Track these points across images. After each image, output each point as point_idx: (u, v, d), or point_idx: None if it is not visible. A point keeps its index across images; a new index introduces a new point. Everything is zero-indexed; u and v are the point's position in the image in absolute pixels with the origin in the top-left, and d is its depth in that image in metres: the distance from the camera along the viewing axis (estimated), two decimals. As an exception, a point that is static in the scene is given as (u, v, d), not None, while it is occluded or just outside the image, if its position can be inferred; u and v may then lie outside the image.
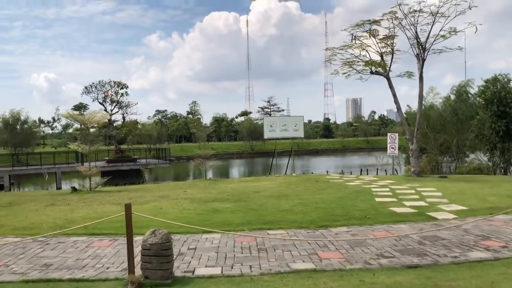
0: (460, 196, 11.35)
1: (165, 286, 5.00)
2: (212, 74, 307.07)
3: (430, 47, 17.59)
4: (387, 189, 13.28)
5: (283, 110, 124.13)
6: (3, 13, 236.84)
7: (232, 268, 5.76)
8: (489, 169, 22.91)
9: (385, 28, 18.20)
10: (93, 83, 44.13)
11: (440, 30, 17.19)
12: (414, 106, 27.82)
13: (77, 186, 15.31)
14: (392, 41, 18.22)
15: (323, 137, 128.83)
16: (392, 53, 18.44)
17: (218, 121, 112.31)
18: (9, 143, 55.97)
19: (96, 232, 7.89)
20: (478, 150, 24.84)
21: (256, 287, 4.97)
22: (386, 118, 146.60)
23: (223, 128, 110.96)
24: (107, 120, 44.18)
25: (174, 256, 6.29)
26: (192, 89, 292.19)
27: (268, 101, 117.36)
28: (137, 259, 5.43)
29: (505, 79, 21.88)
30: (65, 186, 31.72)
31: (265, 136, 23.76)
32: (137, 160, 42.50)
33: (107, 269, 5.83)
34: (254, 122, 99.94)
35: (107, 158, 42.79)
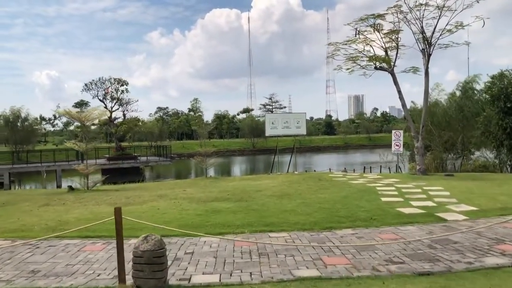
0: (469, 195, 10.94)
1: (158, 297, 4.64)
2: (214, 71, 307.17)
3: (436, 41, 17.15)
4: (393, 188, 12.88)
5: (285, 107, 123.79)
6: (4, 10, 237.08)
7: (231, 275, 5.38)
8: (496, 167, 22.45)
9: (390, 22, 17.77)
10: (93, 80, 43.78)
11: (447, 25, 16.74)
12: (418, 102, 27.44)
13: (74, 185, 14.97)
14: (396, 36, 17.78)
15: (325, 134, 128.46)
16: (397, 48, 18.00)
17: (220, 118, 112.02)
18: (9, 141, 55.66)
19: (89, 234, 7.52)
20: (484, 147, 24.36)
21: (256, 297, 4.60)
22: (388, 115, 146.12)
23: (224, 125, 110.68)
24: (107, 117, 44.02)
25: (170, 262, 5.94)
26: (194, 86, 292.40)
27: (270, 98, 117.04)
28: (130, 265, 5.06)
29: (512, 75, 21.37)
30: (65, 184, 31.35)
31: (267, 133, 23.32)
32: (138, 158, 42.16)
33: (98, 276, 5.46)
34: (256, 119, 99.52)
35: (107, 155, 42.46)
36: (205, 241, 7.10)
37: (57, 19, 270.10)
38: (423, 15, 16.78)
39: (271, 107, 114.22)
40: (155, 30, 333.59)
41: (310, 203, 10.23)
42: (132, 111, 46.35)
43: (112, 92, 43.61)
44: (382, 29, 17.87)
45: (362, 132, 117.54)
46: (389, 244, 6.72)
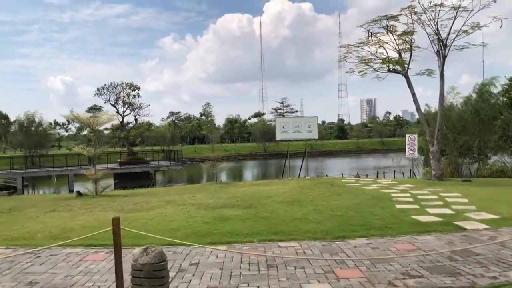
0: (489, 203, 10.45)
1: (159, 313, 4.34)
2: (226, 76, 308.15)
3: (452, 43, 16.67)
4: (408, 194, 12.45)
5: (296, 111, 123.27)
6: (20, 17, 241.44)
7: (237, 289, 5.06)
8: (514, 172, 21.77)
9: (403, 24, 17.36)
10: (105, 85, 43.92)
11: (463, 25, 16.27)
12: (433, 106, 26.83)
13: (82, 190, 14.81)
14: (410, 37, 17.35)
15: (337, 138, 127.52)
16: (411, 50, 17.56)
17: (231, 122, 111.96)
18: (24, 145, 56.28)
19: (92, 243, 7.27)
20: (501, 151, 23.65)
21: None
22: (401, 118, 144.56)
23: (236, 130, 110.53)
24: (119, 122, 44.17)
25: (174, 273, 5.66)
26: (206, 91, 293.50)
27: (282, 102, 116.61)
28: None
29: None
30: (77, 188, 31.44)
31: (277, 138, 22.96)
32: (149, 162, 42.14)
33: (97, 288, 5.20)
34: (268, 123, 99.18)
35: (119, 160, 42.54)
36: (211, 251, 6.79)
37: (72, 25, 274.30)
38: (438, 15, 16.36)
39: (282, 111, 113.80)
40: (167, 35, 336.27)
41: (322, 210, 9.86)
42: (144, 115, 46.42)
43: (124, 97, 43.72)
44: (396, 31, 17.46)
45: (375, 136, 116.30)
46: (406, 255, 6.33)
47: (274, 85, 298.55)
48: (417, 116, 21.22)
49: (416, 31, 17.27)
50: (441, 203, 10.77)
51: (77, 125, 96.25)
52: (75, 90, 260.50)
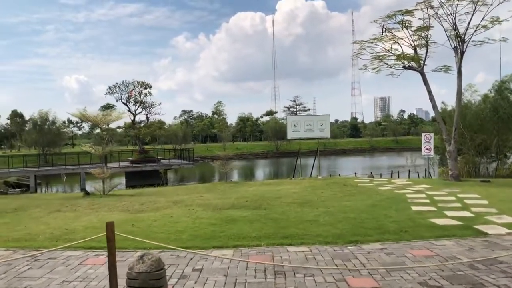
0: (511, 205, 9.92)
1: (155, 326, 4.02)
2: (238, 75, 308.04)
3: (470, 38, 16.04)
4: (424, 195, 11.97)
5: (309, 109, 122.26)
6: (37, 17, 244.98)
7: (241, 299, 4.71)
8: (535, 172, 21.00)
9: (419, 19, 16.78)
10: (116, 83, 43.92)
11: (482, 20, 15.63)
12: (449, 103, 26.10)
13: (90, 190, 14.64)
14: (426, 33, 16.76)
15: (351, 136, 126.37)
16: (427, 46, 16.97)
17: (243, 121, 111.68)
18: (37, 143, 56.82)
19: (94, 245, 6.99)
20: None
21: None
22: (416, 117, 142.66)
23: (248, 128, 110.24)
24: (130, 121, 44.19)
25: (176, 279, 5.35)
26: (218, 89, 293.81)
27: (294, 101, 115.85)
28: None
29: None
30: (88, 187, 31.50)
31: (288, 137, 22.53)
32: (160, 161, 42.08)
33: (93, 296, 4.90)
34: (280, 122, 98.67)
35: (131, 158, 42.57)
36: (216, 256, 6.45)
37: (86, 25, 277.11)
38: (455, 10, 15.74)
39: (295, 110, 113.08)
40: (180, 34, 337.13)
41: (334, 212, 9.46)
42: (155, 114, 46.35)
43: (136, 95, 43.69)
44: (411, 26, 16.89)
45: (389, 135, 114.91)
46: (423, 262, 5.92)
47: (286, 83, 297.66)
48: (431, 115, 20.58)
49: (433, 26, 16.70)
50: (459, 205, 10.28)
51: (90, 123, 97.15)
52: (90, 89, 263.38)
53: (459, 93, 17.10)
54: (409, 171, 31.53)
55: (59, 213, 10.34)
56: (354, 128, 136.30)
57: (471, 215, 9.06)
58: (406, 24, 16.78)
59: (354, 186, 14.33)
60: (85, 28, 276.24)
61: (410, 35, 17.04)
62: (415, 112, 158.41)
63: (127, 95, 43.35)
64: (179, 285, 5.20)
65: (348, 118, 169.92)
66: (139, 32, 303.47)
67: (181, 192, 14.97)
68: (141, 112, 45.22)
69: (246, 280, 5.36)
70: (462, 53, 16.22)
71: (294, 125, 21.50)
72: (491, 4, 15.29)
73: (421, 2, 16.12)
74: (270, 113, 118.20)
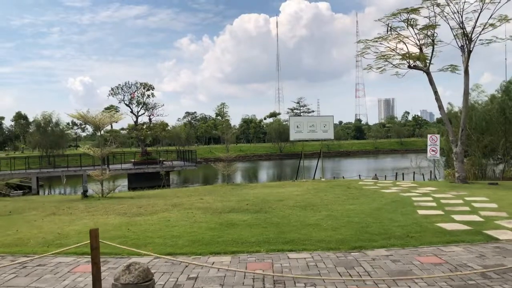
0: (521, 209, 9.55)
1: None
2: (242, 76, 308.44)
3: (477, 37, 15.64)
4: (430, 198, 11.60)
5: (313, 111, 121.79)
6: (42, 19, 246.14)
7: (236, 312, 4.39)
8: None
9: (425, 17, 16.38)
10: (119, 84, 43.78)
11: (489, 18, 15.23)
12: (455, 104, 25.68)
13: (88, 192, 14.37)
14: (432, 31, 16.37)
15: (355, 138, 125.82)
16: (433, 45, 16.58)
17: (247, 122, 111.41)
18: (41, 145, 56.76)
19: (86, 251, 6.64)
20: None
21: None
22: (420, 118, 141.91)
23: (251, 130, 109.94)
24: (133, 122, 44.01)
25: (169, 289, 5.02)
26: (222, 91, 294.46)
27: (298, 102, 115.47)
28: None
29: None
30: (90, 188, 31.29)
31: (291, 138, 22.16)
32: (163, 162, 41.84)
33: (80, 307, 4.59)
34: (283, 123, 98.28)
35: (133, 160, 42.35)
36: (213, 262, 6.14)
37: (91, 27, 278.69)
38: (462, 8, 15.35)
39: (299, 111, 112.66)
40: (184, 36, 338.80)
41: (337, 216, 9.12)
42: (158, 115, 46.15)
43: (138, 96, 43.51)
44: (417, 25, 16.51)
45: (393, 137, 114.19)
46: (432, 270, 5.57)
47: (290, 85, 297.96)
48: (436, 116, 20.21)
49: (439, 25, 16.32)
50: (467, 208, 9.91)
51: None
52: (94, 91, 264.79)
53: (466, 93, 16.70)
54: (414, 173, 31.05)
55: (54, 216, 10.05)
56: (358, 130, 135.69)
57: (481, 219, 8.69)
58: (412, 23, 16.41)
59: (358, 189, 13.98)
60: (90, 30, 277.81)
61: (415, 33, 16.68)
62: (419, 114, 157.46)
63: (129, 97, 43.19)
64: (172, 295, 4.89)
65: (352, 120, 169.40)
66: (144, 34, 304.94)
67: (181, 194, 14.67)
68: (144, 113, 45.08)
69: (243, 290, 5.04)
70: (469, 52, 15.83)
71: (297, 126, 21.16)
72: (499, 2, 14.92)
73: (427, 0, 15.76)
74: (273, 114, 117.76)
